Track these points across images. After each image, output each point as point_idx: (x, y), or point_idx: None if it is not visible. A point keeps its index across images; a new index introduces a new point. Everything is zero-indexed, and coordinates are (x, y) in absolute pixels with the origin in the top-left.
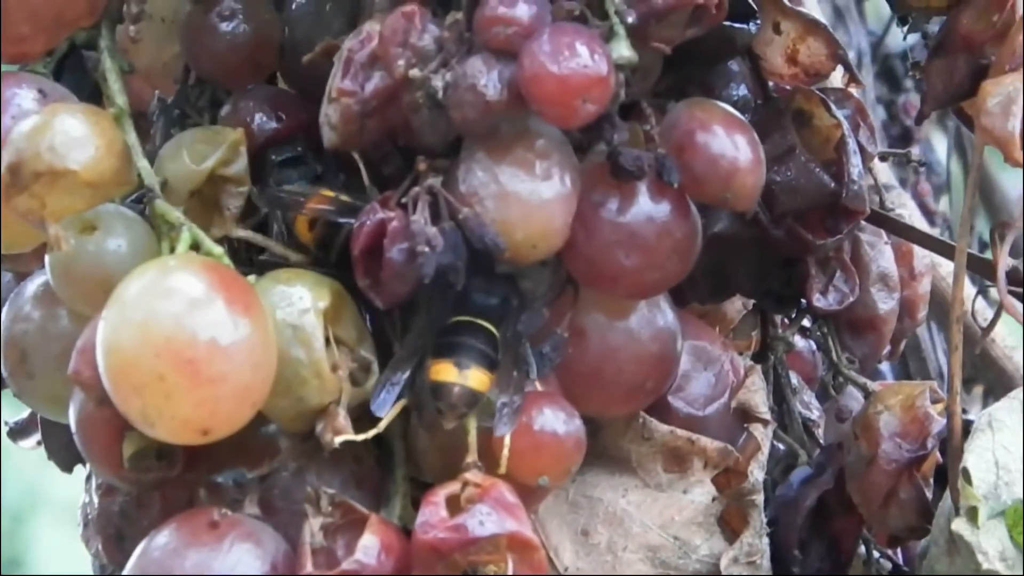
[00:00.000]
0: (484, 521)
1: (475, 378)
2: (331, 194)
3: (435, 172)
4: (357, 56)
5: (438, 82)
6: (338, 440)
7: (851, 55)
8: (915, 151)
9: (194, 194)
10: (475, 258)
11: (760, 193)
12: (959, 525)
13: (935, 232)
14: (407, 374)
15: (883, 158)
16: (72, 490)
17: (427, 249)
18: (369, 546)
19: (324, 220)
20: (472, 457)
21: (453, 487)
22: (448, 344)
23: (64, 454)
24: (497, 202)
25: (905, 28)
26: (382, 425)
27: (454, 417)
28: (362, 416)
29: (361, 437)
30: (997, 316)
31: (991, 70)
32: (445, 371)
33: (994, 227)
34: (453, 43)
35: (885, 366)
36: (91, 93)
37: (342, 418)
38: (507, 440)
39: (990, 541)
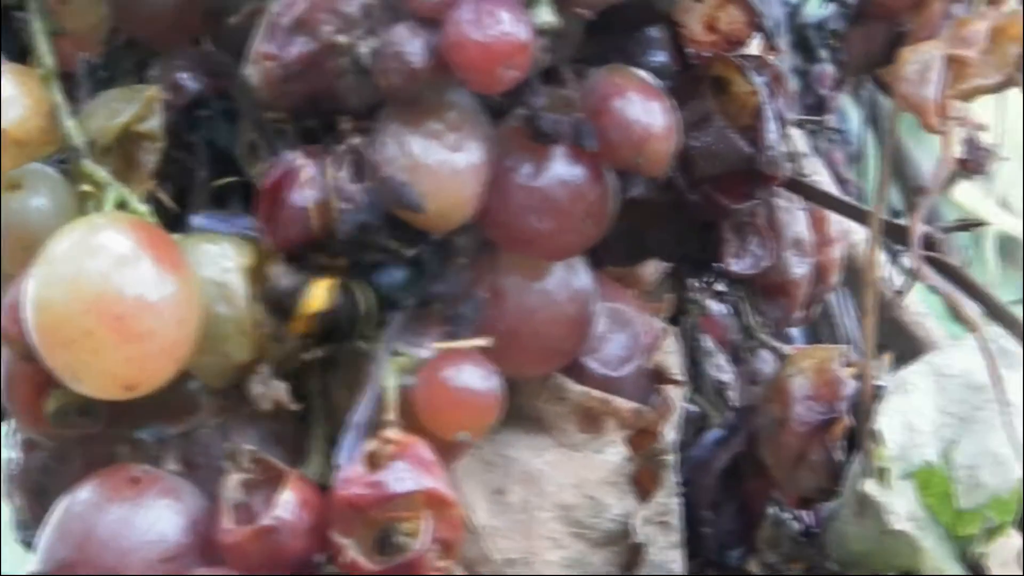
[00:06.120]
0: (402, 477)
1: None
2: None
3: (358, 132)
4: (281, 20)
5: (364, 48)
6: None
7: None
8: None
9: (109, 151)
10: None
11: (672, 159)
12: (869, 486)
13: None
14: None
15: (800, 125)
16: None
17: (348, 206)
18: (287, 501)
19: None
20: (391, 414)
21: (372, 444)
22: None
23: None
24: (408, 174)
25: None
26: None
27: None
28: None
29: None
30: (912, 280)
31: (909, 38)
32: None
33: (910, 191)
34: (380, 10)
35: (796, 332)
36: (19, 54)
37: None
38: None
39: (900, 501)
